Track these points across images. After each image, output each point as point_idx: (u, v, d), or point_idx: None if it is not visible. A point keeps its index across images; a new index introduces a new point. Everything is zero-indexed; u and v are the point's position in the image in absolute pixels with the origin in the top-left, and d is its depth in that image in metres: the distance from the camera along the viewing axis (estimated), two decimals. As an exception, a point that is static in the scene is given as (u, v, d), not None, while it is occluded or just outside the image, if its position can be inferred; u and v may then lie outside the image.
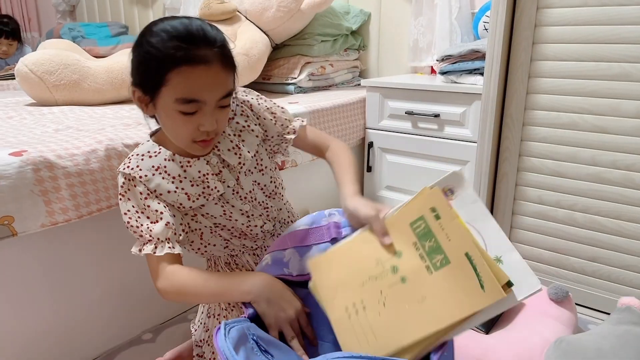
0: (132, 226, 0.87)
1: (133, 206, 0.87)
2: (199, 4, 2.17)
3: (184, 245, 0.95)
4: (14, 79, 2.46)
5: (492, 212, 1.55)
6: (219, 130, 0.86)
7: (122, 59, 1.77)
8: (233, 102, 0.94)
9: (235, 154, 0.93)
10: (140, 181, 0.87)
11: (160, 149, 0.90)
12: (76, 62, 1.66)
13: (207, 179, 0.90)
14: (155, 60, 0.78)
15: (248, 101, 0.98)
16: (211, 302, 0.99)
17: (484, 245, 0.70)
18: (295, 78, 2.03)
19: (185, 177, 0.89)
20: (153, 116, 0.90)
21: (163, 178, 0.88)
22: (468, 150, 1.64)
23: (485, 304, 0.63)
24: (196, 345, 1.08)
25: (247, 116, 0.97)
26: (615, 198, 1.32)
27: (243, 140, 0.95)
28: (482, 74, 1.56)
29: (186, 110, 0.80)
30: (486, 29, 1.78)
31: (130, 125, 1.29)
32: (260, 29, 1.98)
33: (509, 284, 0.64)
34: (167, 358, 1.15)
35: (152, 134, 0.96)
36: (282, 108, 1.04)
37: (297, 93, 2.04)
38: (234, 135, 0.95)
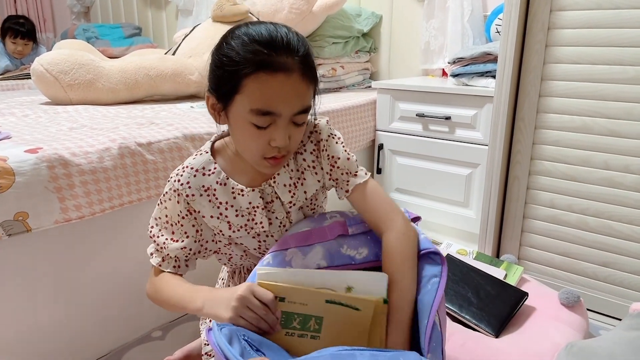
0: (153, 232, 0.88)
1: (166, 215, 0.86)
2: (211, 6, 2.19)
3: (203, 256, 0.94)
4: (30, 78, 2.50)
5: (502, 215, 1.55)
6: (291, 148, 0.80)
7: (135, 60, 1.79)
8: (307, 135, 0.88)
9: (290, 191, 0.87)
10: (186, 200, 0.84)
11: (215, 167, 0.85)
12: (90, 62, 1.68)
13: (255, 212, 0.86)
14: (232, 64, 0.73)
15: (326, 140, 0.88)
16: (178, 312, 0.96)
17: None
18: (306, 79, 2.04)
19: (232, 206, 0.85)
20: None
21: (210, 201, 0.85)
22: (479, 153, 1.63)
23: (369, 317, 0.75)
24: (205, 344, 1.09)
25: (317, 157, 0.89)
26: (628, 202, 1.30)
27: (304, 179, 0.89)
28: (494, 76, 1.55)
29: (259, 123, 0.75)
30: (498, 32, 1.77)
31: (143, 124, 1.31)
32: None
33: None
34: (177, 356, 1.15)
35: (213, 142, 0.90)
36: (348, 155, 0.90)
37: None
38: (297, 170, 0.88)
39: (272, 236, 0.91)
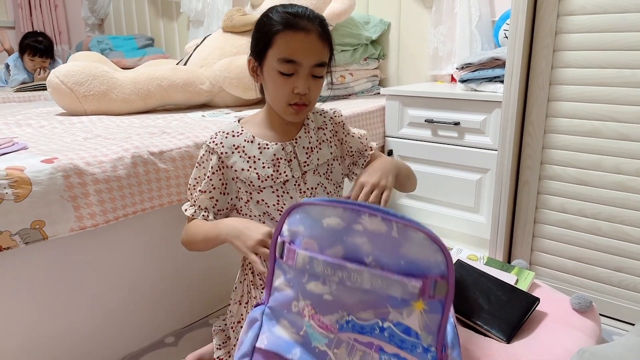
0: (190, 189, 1.07)
1: (204, 174, 1.04)
2: (222, 17, 2.23)
3: None
4: (46, 89, 2.56)
5: (513, 220, 1.54)
6: (311, 98, 1.01)
7: (148, 70, 1.83)
8: (326, 118, 1.14)
9: (306, 153, 1.07)
10: (220, 157, 1.02)
11: (242, 130, 1.04)
12: (104, 74, 1.72)
13: (279, 162, 1.04)
14: (267, 26, 0.96)
15: (342, 122, 1.17)
16: (207, 247, 1.05)
17: None
18: (316, 87, 2.06)
19: (259, 159, 1.03)
20: (261, 91, 1.07)
21: (240, 157, 1.02)
22: (488, 158, 1.63)
23: None
24: (217, 348, 1.10)
25: (334, 134, 1.14)
26: (641, 207, 1.29)
27: (320, 149, 1.10)
28: (502, 81, 1.55)
29: (285, 70, 0.95)
30: (507, 37, 1.77)
31: (156, 133, 1.33)
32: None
33: None
34: (189, 361, 1.17)
35: (239, 120, 1.11)
36: (363, 133, 1.21)
37: (317, 102, 2.06)
38: (316, 140, 1.10)
39: (287, 193, 1.04)
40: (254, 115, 1.11)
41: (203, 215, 1.03)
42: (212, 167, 1.02)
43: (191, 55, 2.08)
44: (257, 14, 2.05)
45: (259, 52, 0.99)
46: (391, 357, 0.69)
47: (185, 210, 1.07)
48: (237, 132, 1.04)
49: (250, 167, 1.02)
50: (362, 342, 0.70)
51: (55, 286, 1.08)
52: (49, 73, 2.93)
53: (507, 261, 1.57)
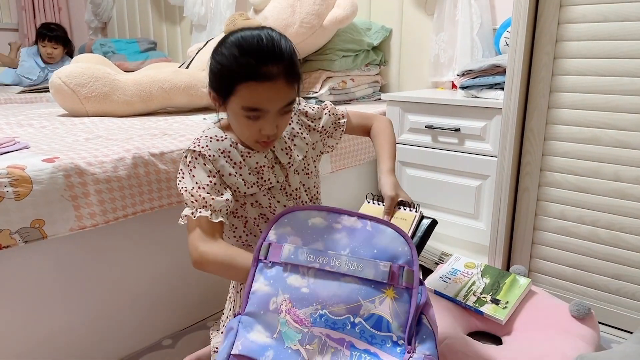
0: (193, 193, 0.93)
1: (197, 182, 0.94)
2: (224, 21, 2.24)
3: (225, 233, 1.06)
4: (48, 91, 2.57)
5: (512, 227, 1.54)
6: (278, 133, 0.97)
7: (150, 73, 1.83)
8: (293, 111, 1.06)
9: (287, 154, 1.06)
10: (209, 159, 0.96)
11: (226, 135, 1.00)
12: (107, 75, 1.72)
13: (262, 170, 1.02)
14: (227, 73, 0.89)
15: (305, 111, 1.13)
16: (226, 274, 0.95)
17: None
18: (317, 92, 2.07)
19: (245, 165, 1.00)
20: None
21: (227, 162, 0.98)
22: (489, 164, 1.63)
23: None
24: (214, 352, 1.10)
25: (302, 125, 1.12)
26: (640, 214, 1.30)
27: (295, 145, 1.08)
28: (502, 88, 1.56)
29: (250, 116, 0.91)
30: (507, 45, 1.78)
31: (157, 135, 1.34)
32: (283, 44, 2.03)
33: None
34: (186, 363, 1.17)
35: (215, 123, 1.06)
36: (328, 103, 1.20)
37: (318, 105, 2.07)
38: (289, 138, 1.08)
39: (274, 197, 1.04)
40: (228, 123, 1.04)
41: (222, 217, 0.93)
42: (210, 171, 0.95)
43: (193, 58, 2.09)
44: (259, 19, 2.07)
45: (220, 93, 0.93)
46: (362, 353, 0.74)
47: (193, 213, 0.92)
48: (222, 137, 0.99)
49: (236, 172, 0.99)
50: (334, 338, 0.75)
51: (53, 286, 1.08)
52: (59, 55, 3.04)
53: (506, 268, 1.56)
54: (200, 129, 1.43)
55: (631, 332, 1.33)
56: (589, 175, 1.36)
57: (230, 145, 0.99)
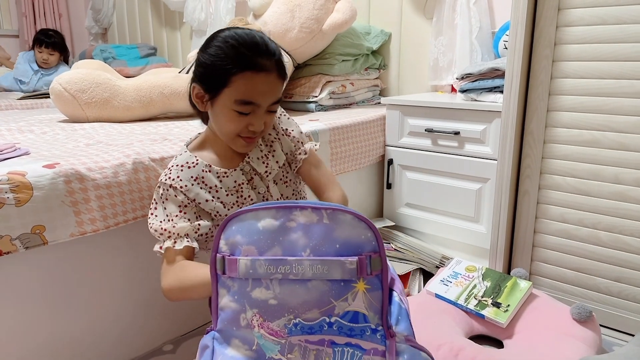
0: (156, 227, 0.94)
1: (167, 215, 0.94)
2: (224, 26, 2.24)
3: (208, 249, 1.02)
4: (48, 97, 2.57)
5: (513, 230, 1.54)
6: (264, 131, 0.97)
7: (150, 79, 1.84)
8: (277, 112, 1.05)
9: (263, 162, 1.04)
10: (181, 191, 0.95)
11: (197, 159, 0.98)
12: (107, 81, 1.73)
13: (241, 188, 1.00)
14: (222, 63, 0.89)
15: (282, 113, 1.11)
16: (199, 296, 0.93)
17: None
18: (317, 96, 2.07)
19: (221, 187, 0.98)
20: (201, 113, 1.02)
21: (201, 188, 0.97)
22: (488, 167, 1.63)
23: None
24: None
25: (277, 130, 1.09)
26: (640, 217, 1.30)
27: (274, 151, 1.06)
28: (502, 91, 1.57)
29: (242, 110, 0.92)
30: (506, 48, 1.79)
31: (157, 140, 1.34)
32: (283, 49, 2.04)
33: None
34: (187, 369, 1.17)
35: (187, 145, 1.04)
36: (300, 130, 1.12)
37: (318, 111, 2.07)
38: (265, 145, 1.06)
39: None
40: (201, 140, 1.04)
41: (187, 242, 0.93)
42: (182, 202, 0.95)
43: (193, 64, 2.09)
44: (259, 23, 2.08)
45: (210, 87, 0.93)
46: (344, 347, 0.73)
47: (160, 248, 0.94)
48: (192, 163, 0.98)
49: (213, 197, 0.97)
50: (313, 341, 0.73)
51: (54, 291, 1.08)
52: (54, 61, 3.04)
53: (507, 271, 1.56)
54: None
55: (633, 335, 1.33)
56: (589, 177, 1.36)
57: (203, 170, 0.97)
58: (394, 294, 0.77)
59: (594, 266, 1.40)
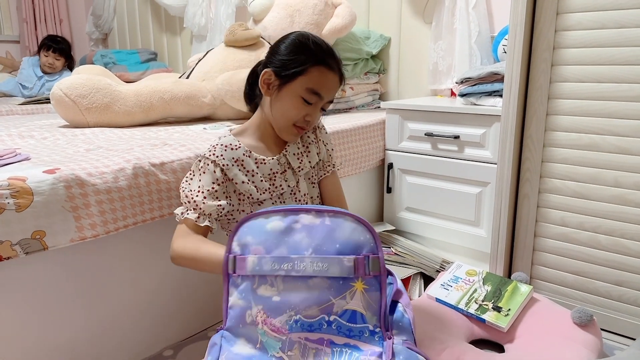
0: (188, 194, 1.02)
1: (200, 186, 1.02)
2: (224, 31, 2.25)
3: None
4: (49, 102, 2.58)
5: (513, 234, 1.54)
6: (312, 125, 1.09)
7: (150, 84, 1.84)
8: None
9: (298, 159, 1.13)
10: (221, 168, 1.03)
11: (239, 143, 1.06)
12: (107, 86, 1.73)
13: (275, 176, 1.08)
14: (306, 53, 1.02)
15: (323, 126, 1.23)
16: (200, 267, 0.98)
17: None
18: (317, 101, 2.07)
19: (258, 173, 1.06)
20: (253, 101, 1.14)
21: (239, 170, 1.05)
22: (488, 171, 1.63)
23: None
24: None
25: (316, 135, 1.20)
26: (640, 220, 1.29)
27: (309, 152, 1.16)
28: (501, 95, 1.57)
29: (309, 99, 1.03)
30: (505, 52, 1.79)
31: (157, 145, 1.34)
32: (282, 53, 2.04)
33: None
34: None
35: (230, 130, 1.13)
36: (332, 149, 1.27)
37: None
38: (302, 144, 1.16)
39: (284, 203, 1.10)
40: (244, 127, 1.13)
41: (209, 221, 1.01)
42: (217, 179, 1.03)
43: (193, 69, 2.10)
44: (259, 29, 2.08)
45: (286, 72, 1.03)
46: (342, 348, 0.76)
47: (182, 213, 1.02)
48: (236, 146, 1.06)
49: (249, 180, 1.05)
50: (313, 339, 0.77)
51: (54, 297, 1.08)
52: (59, 67, 3.07)
53: (508, 275, 1.56)
54: (200, 139, 1.44)
55: (634, 339, 1.33)
56: (588, 181, 1.36)
57: (244, 154, 1.05)
58: (399, 305, 0.81)
59: (594, 270, 1.40)
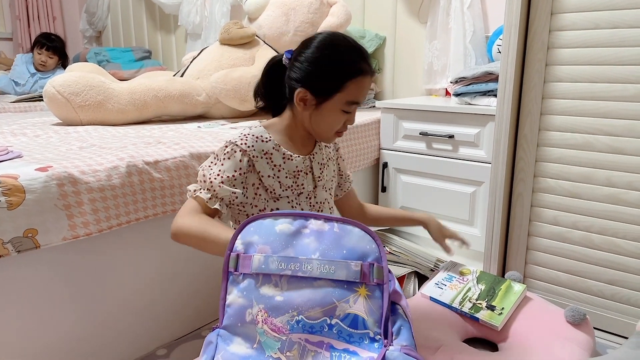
0: (206, 174, 0.99)
1: (222, 170, 0.99)
2: (219, 29, 2.24)
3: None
4: (42, 100, 2.56)
5: (507, 233, 1.55)
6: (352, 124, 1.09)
7: (144, 82, 1.84)
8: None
9: (320, 169, 1.12)
10: (249, 157, 1.00)
11: (270, 136, 1.04)
12: (101, 84, 1.72)
13: (299, 175, 1.07)
14: (337, 72, 0.98)
15: (338, 145, 1.25)
16: (202, 247, 0.96)
17: None
18: (312, 100, 2.07)
19: (283, 168, 1.05)
20: (268, 101, 1.11)
21: (267, 163, 1.03)
22: (482, 171, 1.64)
23: None
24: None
25: (335, 153, 1.22)
26: (633, 220, 1.30)
27: (328, 166, 1.16)
28: (496, 95, 1.57)
29: (349, 109, 1.02)
30: (500, 52, 1.80)
31: (151, 143, 1.34)
32: (277, 52, 2.04)
33: None
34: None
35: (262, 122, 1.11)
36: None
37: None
38: (325, 158, 1.15)
39: (299, 205, 1.08)
40: (275, 123, 1.09)
41: (219, 205, 0.98)
42: (240, 168, 1.00)
43: (188, 67, 2.09)
44: (253, 27, 2.08)
45: (322, 91, 0.99)
46: (341, 353, 0.76)
47: (196, 191, 0.99)
48: (266, 138, 1.04)
49: (274, 174, 1.04)
50: (313, 342, 0.76)
51: (46, 295, 1.07)
52: (52, 65, 3.03)
53: (502, 274, 1.57)
54: (194, 138, 1.43)
55: (626, 337, 1.34)
56: (582, 181, 1.37)
57: (273, 148, 1.04)
58: (398, 307, 0.81)
59: (588, 269, 1.40)
